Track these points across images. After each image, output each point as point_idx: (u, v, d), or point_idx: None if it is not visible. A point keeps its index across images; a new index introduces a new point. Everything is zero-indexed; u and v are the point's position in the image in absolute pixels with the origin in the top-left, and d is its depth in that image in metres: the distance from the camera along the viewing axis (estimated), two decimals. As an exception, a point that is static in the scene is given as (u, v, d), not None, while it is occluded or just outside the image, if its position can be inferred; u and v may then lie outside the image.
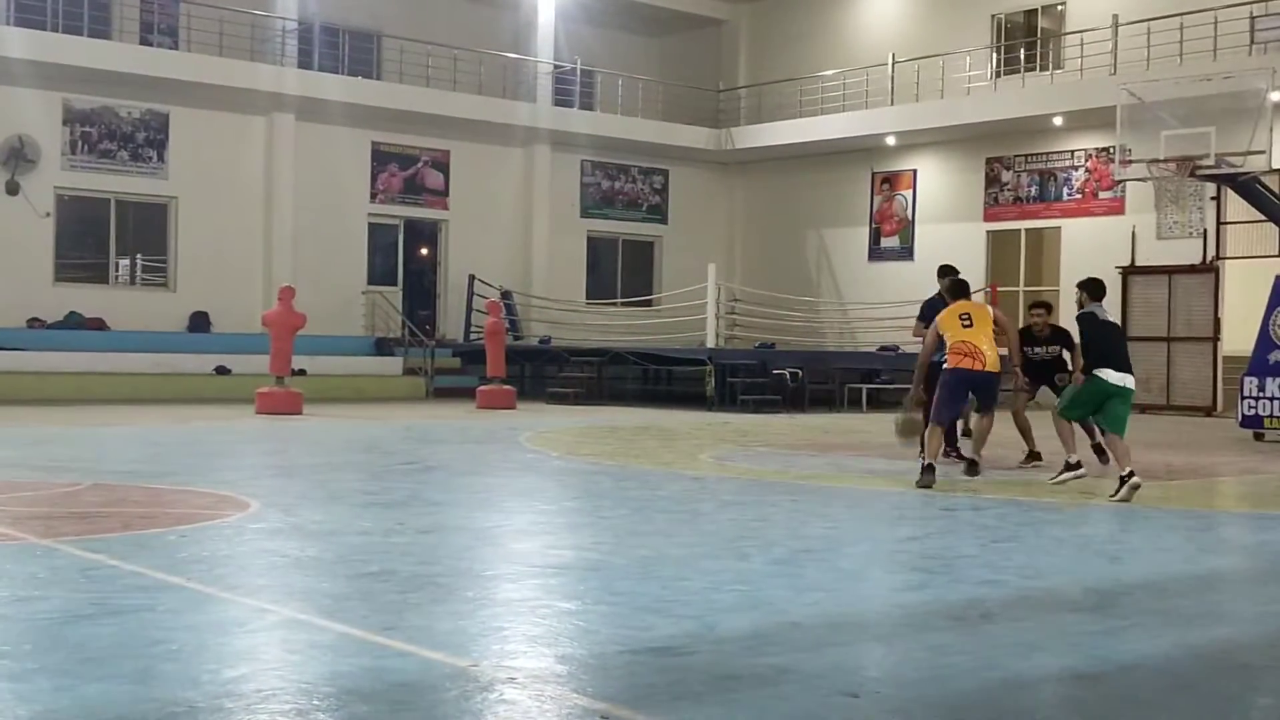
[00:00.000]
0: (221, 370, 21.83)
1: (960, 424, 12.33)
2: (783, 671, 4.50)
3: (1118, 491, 9.48)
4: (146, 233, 24.44)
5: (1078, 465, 10.42)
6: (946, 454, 11.88)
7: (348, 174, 25.98)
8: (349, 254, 26.06)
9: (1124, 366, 9.84)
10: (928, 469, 10.25)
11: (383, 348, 25.60)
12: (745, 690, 4.28)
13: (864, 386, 23.23)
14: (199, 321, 23.56)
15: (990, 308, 11.70)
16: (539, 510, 9.19)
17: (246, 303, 23.65)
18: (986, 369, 10.80)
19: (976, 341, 10.73)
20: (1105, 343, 9.95)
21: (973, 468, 11.07)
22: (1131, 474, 9.48)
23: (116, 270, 24.39)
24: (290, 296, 18.95)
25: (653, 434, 16.07)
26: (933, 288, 13.72)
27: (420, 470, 11.50)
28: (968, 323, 10.86)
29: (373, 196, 26.48)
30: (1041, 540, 8.10)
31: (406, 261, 27.47)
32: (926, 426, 10.84)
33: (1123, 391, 9.81)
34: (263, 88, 24.06)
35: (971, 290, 11.76)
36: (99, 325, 22.90)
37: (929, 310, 12.34)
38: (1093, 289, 10.19)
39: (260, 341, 19.99)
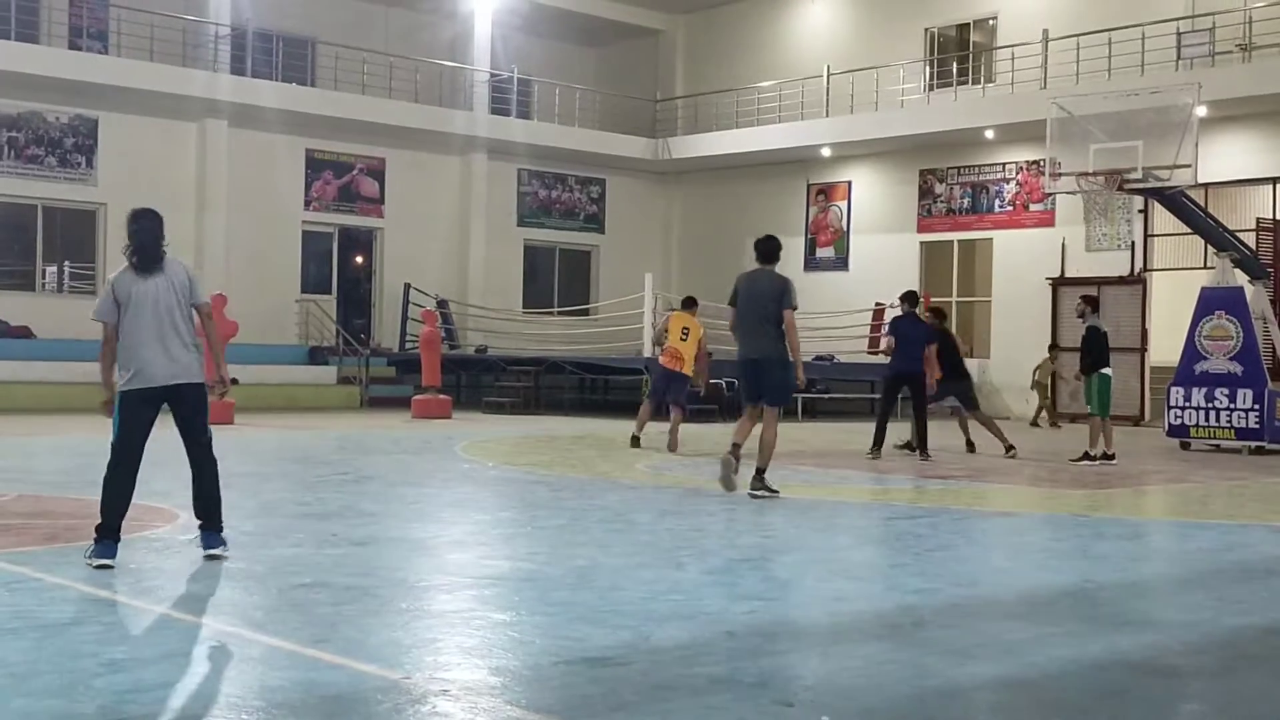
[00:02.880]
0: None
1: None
2: (717, 681, 4.50)
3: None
4: (74, 239, 24.05)
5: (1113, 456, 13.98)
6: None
7: (282, 181, 25.73)
8: (282, 262, 25.81)
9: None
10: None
11: (317, 357, 25.36)
12: (680, 700, 4.27)
13: (800, 395, 23.33)
14: (128, 330, 23.21)
15: (699, 328, 15.09)
16: (474, 521, 9.14)
17: (177, 311, 23.28)
18: (683, 370, 14.88)
19: (683, 350, 14.81)
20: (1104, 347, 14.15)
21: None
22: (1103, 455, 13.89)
23: (44, 278, 23.97)
24: (222, 305, 18.70)
25: (589, 443, 16.04)
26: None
27: (354, 481, 11.40)
28: (684, 337, 14.88)
29: (307, 204, 26.24)
30: (974, 548, 8.19)
31: (341, 270, 27.25)
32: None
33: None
34: (195, 93, 23.76)
35: (695, 307, 15.41)
36: (25, 334, 22.47)
37: (894, 328, 14.85)
38: (1095, 304, 14.52)
39: (191, 350, 19.71)
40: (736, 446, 10.12)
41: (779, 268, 10.61)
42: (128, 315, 6.75)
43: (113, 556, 6.52)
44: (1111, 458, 14.09)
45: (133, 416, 6.77)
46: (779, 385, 10.19)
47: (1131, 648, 5.19)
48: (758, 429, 10.19)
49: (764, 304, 10.18)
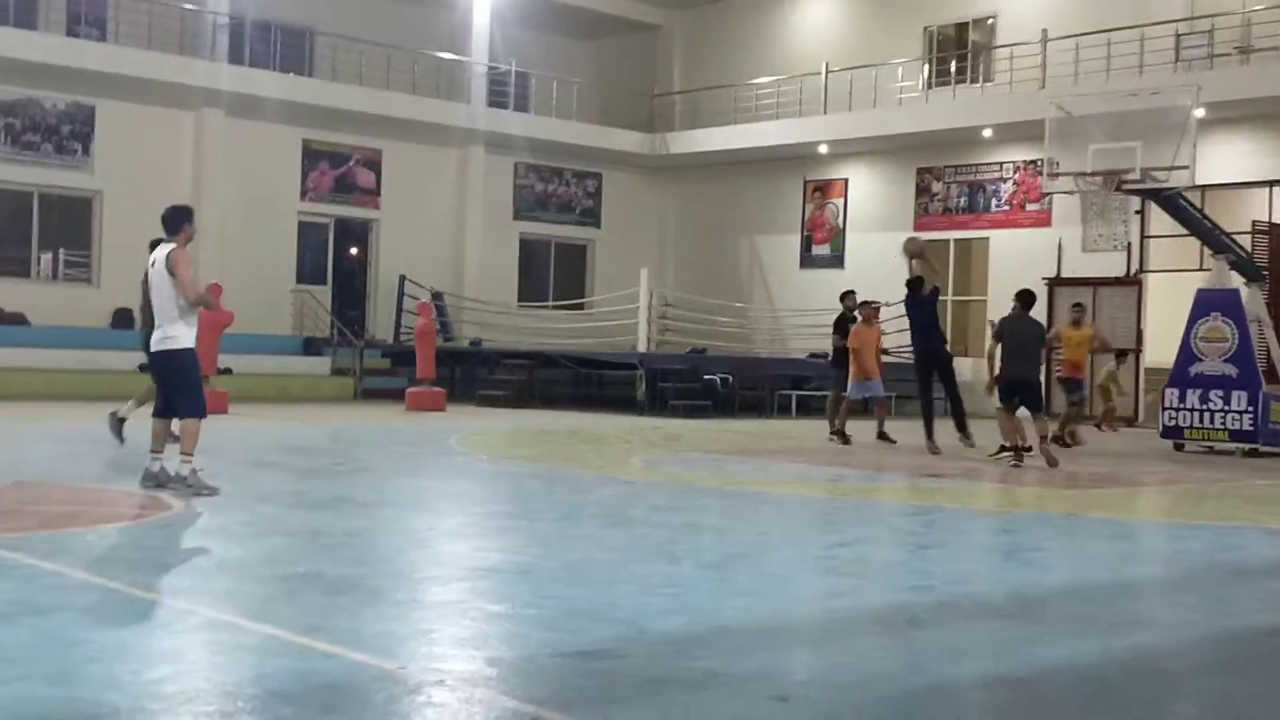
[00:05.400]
0: (145, 368, 21.44)
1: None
2: (712, 675, 4.51)
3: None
4: (70, 227, 23.99)
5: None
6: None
7: (278, 171, 25.68)
8: (278, 252, 25.76)
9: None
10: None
11: (311, 347, 25.32)
12: (674, 693, 4.28)
13: (794, 393, 23.36)
14: (123, 318, 23.10)
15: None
16: (469, 513, 9.14)
17: (172, 300, 23.24)
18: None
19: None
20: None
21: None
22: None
23: (39, 264, 23.91)
24: (217, 294, 18.65)
25: (583, 438, 16.05)
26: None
27: (349, 472, 11.40)
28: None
29: (303, 194, 26.20)
30: (968, 547, 8.21)
31: (336, 261, 27.21)
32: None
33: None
34: (193, 82, 23.70)
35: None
36: (20, 320, 22.42)
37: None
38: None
39: (186, 339, 19.67)
40: (1016, 449, 13.18)
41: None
42: None
43: None
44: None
45: None
46: (1036, 398, 13.80)
47: (1123, 648, 5.21)
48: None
49: (1028, 342, 13.66)
